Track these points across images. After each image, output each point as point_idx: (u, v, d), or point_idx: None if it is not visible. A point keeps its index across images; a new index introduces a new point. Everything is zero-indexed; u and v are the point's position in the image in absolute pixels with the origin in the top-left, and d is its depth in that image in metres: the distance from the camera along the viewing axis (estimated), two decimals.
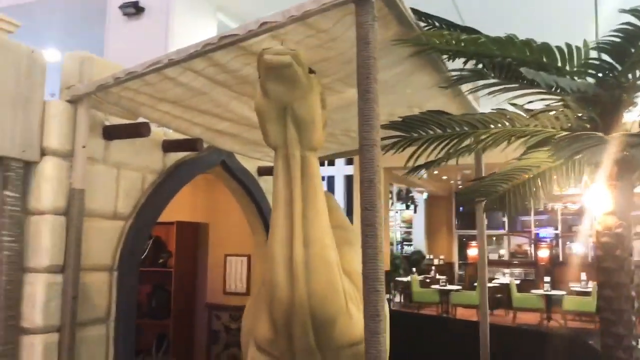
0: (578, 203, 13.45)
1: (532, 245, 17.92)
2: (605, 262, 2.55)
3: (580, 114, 2.62)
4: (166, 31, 7.08)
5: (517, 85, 2.49)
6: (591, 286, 11.68)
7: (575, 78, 2.52)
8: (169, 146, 3.74)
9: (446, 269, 17.83)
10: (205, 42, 2.38)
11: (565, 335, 7.16)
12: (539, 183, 3.00)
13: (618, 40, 2.28)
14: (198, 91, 2.88)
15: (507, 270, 17.47)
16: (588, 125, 2.60)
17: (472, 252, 17.02)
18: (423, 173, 3.13)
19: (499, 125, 2.62)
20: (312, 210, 2.40)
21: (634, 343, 2.49)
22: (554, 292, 12.00)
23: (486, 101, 3.01)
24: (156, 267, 6.04)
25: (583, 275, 12.86)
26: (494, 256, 18.39)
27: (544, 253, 17.07)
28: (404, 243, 20.50)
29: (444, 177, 17.07)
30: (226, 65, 2.59)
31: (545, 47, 2.34)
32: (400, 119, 2.76)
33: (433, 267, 17.05)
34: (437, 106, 2.95)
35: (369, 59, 1.93)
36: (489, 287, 12.87)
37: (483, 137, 2.67)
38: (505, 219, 17.96)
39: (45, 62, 3.06)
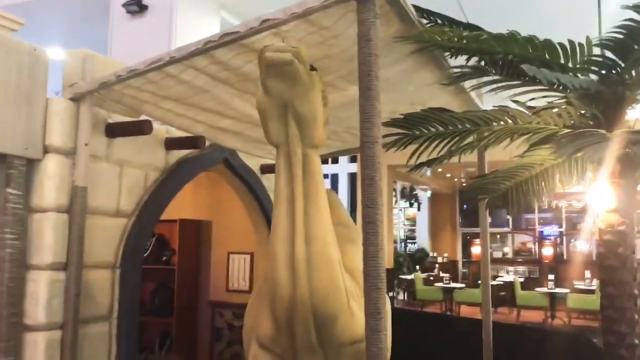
0: (582, 201, 13.42)
1: (536, 243, 17.89)
2: (608, 259, 2.54)
3: (583, 111, 2.61)
4: (169, 29, 7.09)
5: (519, 82, 2.48)
6: (595, 284, 11.65)
7: (578, 75, 2.50)
8: (171, 144, 3.75)
9: (450, 266, 17.82)
10: (207, 40, 2.38)
11: (569, 333, 7.14)
12: (542, 180, 2.99)
13: (621, 36, 2.27)
14: (200, 89, 2.88)
15: (511, 268, 17.47)
16: (591, 123, 2.59)
17: (476, 249, 17.01)
18: (425, 170, 3.12)
19: (501, 122, 2.61)
20: (313, 208, 2.39)
21: (636, 341, 2.48)
22: (558, 290, 11.98)
23: (490, 98, 3.01)
24: (159, 265, 6.04)
25: (587, 273, 12.83)
26: (498, 254, 18.38)
27: (548, 251, 17.07)
28: (408, 241, 20.51)
29: (448, 175, 17.05)
30: (228, 62, 2.59)
31: (548, 44, 2.33)
32: (401, 117, 2.75)
33: (437, 265, 17.04)
34: (440, 104, 2.94)
35: (371, 56, 1.93)
36: (492, 285, 12.86)
37: (485, 134, 2.66)
38: (510, 217, 17.94)
39: (48, 59, 3.06)
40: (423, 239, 19.61)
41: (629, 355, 2.46)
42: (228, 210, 5.80)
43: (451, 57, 2.69)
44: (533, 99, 2.63)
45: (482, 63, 2.59)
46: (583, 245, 16.19)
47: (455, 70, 2.74)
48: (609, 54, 2.43)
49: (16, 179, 2.88)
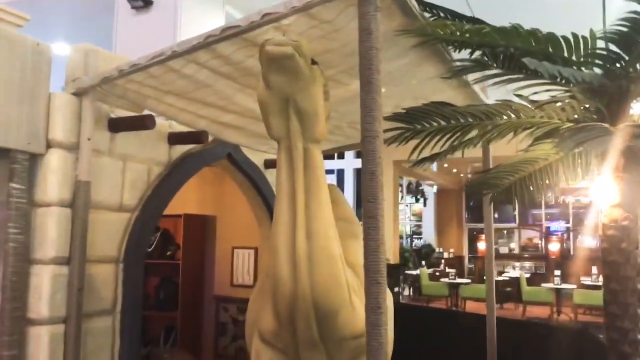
0: (589, 196, 13.34)
1: (543, 239, 17.84)
2: (611, 255, 2.52)
3: (587, 105, 2.59)
4: (174, 24, 7.08)
5: (521, 75, 2.46)
6: (602, 280, 11.59)
7: (582, 68, 2.48)
8: (174, 139, 3.75)
9: (456, 262, 17.81)
10: (208, 34, 2.37)
11: (573, 329, 7.10)
12: (546, 175, 2.97)
13: (625, 29, 2.24)
14: (202, 83, 2.88)
15: (517, 264, 17.45)
16: (595, 117, 2.56)
17: (482, 245, 16.96)
18: (427, 165, 3.11)
19: (504, 117, 2.59)
20: (315, 203, 2.38)
21: (639, 337, 2.46)
22: (564, 285, 11.94)
23: (494, 92, 2.99)
24: (164, 260, 6.06)
25: (594, 269, 12.78)
26: (504, 250, 18.36)
27: (554, 246, 17.02)
28: (414, 236, 20.49)
29: (454, 170, 17.03)
30: (229, 57, 2.59)
31: (551, 37, 2.30)
32: (404, 111, 2.74)
33: (443, 261, 17.03)
34: (444, 98, 2.92)
35: (372, 49, 1.91)
36: (499, 280, 12.87)
37: (488, 128, 2.65)
38: (516, 213, 17.90)
39: (51, 54, 3.07)
40: (429, 235, 19.59)
41: (632, 351, 2.44)
42: (232, 205, 5.81)
43: (454, 51, 2.67)
44: (536, 92, 2.61)
45: (485, 57, 2.57)
46: (590, 241, 16.11)
47: (457, 64, 2.72)
48: (613, 47, 2.40)
49: (19, 173, 2.89)
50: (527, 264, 17.57)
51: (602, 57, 2.45)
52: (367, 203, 1.87)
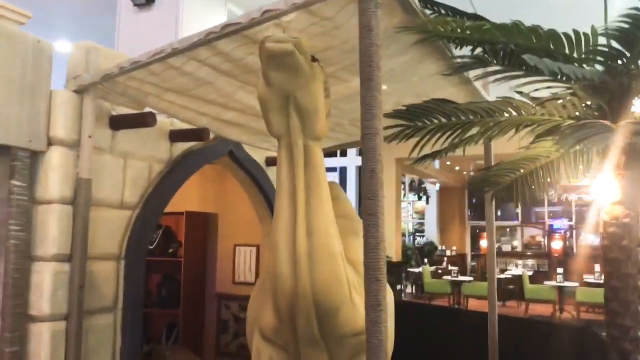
0: (591, 194, 13.31)
1: (546, 237, 17.81)
2: (612, 252, 2.52)
3: (588, 102, 2.58)
4: (176, 22, 7.09)
5: (521, 72, 2.45)
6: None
7: (584, 65, 2.47)
8: (175, 136, 3.75)
9: (458, 260, 17.78)
10: (208, 31, 2.37)
11: (575, 326, 7.10)
12: (547, 173, 2.96)
13: (626, 26, 2.23)
14: (203, 80, 2.88)
15: (520, 262, 17.42)
16: (596, 114, 2.55)
17: (485, 243, 16.83)
18: (427, 163, 3.10)
19: (505, 114, 2.58)
20: (315, 200, 2.38)
21: None
22: (566, 283, 11.93)
23: (497, 90, 2.97)
24: (166, 257, 6.07)
25: (596, 267, 12.75)
26: (507, 247, 18.34)
27: (557, 244, 16.99)
28: (417, 234, 20.47)
29: (457, 168, 16.98)
30: (230, 54, 2.58)
31: (552, 34, 2.29)
32: (404, 108, 2.73)
33: (445, 258, 17.02)
34: (446, 95, 2.92)
35: (372, 46, 1.90)
36: (501, 278, 12.81)
37: (489, 125, 2.64)
38: (519, 210, 17.87)
39: (52, 51, 3.07)
40: (432, 232, 19.57)
41: (633, 348, 2.44)
42: (234, 203, 5.81)
43: (456, 48, 2.66)
44: (537, 89, 2.60)
45: (485, 54, 2.56)
46: (593, 239, 16.08)
47: (457, 60, 2.71)
48: (614, 44, 2.39)
49: (20, 170, 2.89)
50: (530, 261, 17.55)
51: (604, 54, 2.43)
52: (366, 200, 1.87)
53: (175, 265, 6.02)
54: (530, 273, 13.61)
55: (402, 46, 2.55)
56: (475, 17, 2.75)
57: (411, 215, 20.38)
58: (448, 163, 15.99)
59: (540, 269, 16.83)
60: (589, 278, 12.63)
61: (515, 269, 15.66)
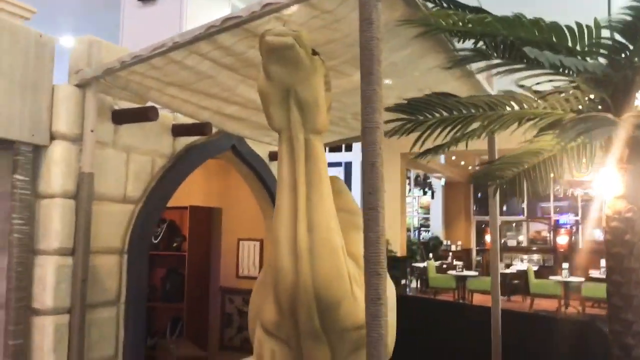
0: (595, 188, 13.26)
1: (552, 232, 17.75)
2: (615, 247, 2.50)
3: (591, 96, 2.56)
4: (180, 17, 7.08)
5: (522, 65, 2.43)
6: None
7: (587, 58, 2.45)
8: (178, 130, 3.75)
9: (464, 254, 17.77)
10: (209, 25, 2.36)
11: (579, 321, 7.08)
12: (550, 167, 2.95)
13: (630, 18, 2.21)
14: (204, 75, 2.88)
15: (525, 257, 17.37)
16: (599, 107, 2.54)
17: (490, 238, 16.89)
18: (430, 157, 3.08)
19: (507, 107, 2.56)
20: (316, 194, 2.37)
21: None
22: (572, 278, 11.89)
23: (501, 84, 2.96)
24: (170, 251, 6.10)
25: (602, 262, 12.69)
26: (512, 242, 18.30)
27: (562, 239, 16.94)
28: (422, 229, 20.46)
29: (462, 163, 16.95)
30: (231, 48, 2.58)
31: (555, 27, 2.27)
32: (405, 102, 2.72)
33: (450, 253, 17.00)
34: (448, 89, 2.90)
35: (372, 39, 1.89)
36: (506, 273, 12.76)
37: (492, 119, 2.62)
38: (525, 205, 17.82)
39: (54, 46, 3.07)
40: (437, 227, 19.56)
41: (635, 343, 2.43)
42: (238, 197, 5.82)
43: (458, 42, 2.64)
44: (539, 83, 2.58)
45: (486, 47, 2.55)
46: (599, 234, 16.01)
47: (460, 53, 2.69)
48: (618, 37, 2.37)
49: (23, 165, 2.91)
50: (535, 256, 17.49)
51: (607, 47, 2.41)
52: (367, 195, 1.86)
53: (179, 260, 6.04)
54: (536, 268, 13.56)
55: (403, 40, 2.53)
56: (478, 10, 2.73)
57: (416, 210, 20.37)
58: (453, 158, 15.96)
59: (546, 264, 16.77)
60: (594, 273, 12.60)
61: (521, 264, 15.61)
